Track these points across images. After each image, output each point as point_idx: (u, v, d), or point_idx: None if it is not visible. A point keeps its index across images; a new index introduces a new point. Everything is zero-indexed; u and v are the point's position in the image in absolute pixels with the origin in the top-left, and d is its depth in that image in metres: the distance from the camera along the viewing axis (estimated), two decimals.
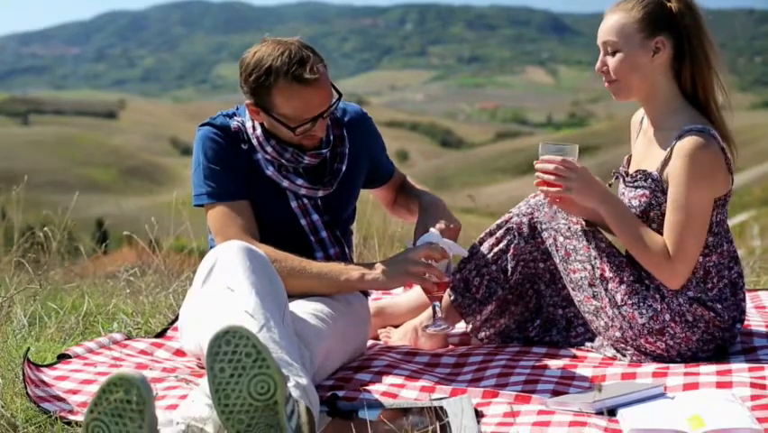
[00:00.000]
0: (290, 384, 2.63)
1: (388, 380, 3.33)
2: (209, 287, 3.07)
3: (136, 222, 5.88)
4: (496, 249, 3.79)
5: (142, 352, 3.82)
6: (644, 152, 3.63)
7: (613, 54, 3.54)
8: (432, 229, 3.47)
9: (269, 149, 3.55)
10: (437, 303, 3.43)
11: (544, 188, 3.51)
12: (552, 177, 3.45)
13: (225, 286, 2.99)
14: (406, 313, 3.99)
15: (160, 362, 3.68)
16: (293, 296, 3.39)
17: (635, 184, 3.56)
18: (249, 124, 3.59)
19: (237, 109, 3.69)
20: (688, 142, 3.39)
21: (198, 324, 3.03)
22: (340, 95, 3.55)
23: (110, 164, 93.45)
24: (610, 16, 3.56)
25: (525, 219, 3.77)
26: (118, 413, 2.38)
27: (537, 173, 3.50)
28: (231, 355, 2.46)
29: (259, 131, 3.56)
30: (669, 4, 3.52)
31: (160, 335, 4.09)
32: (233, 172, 3.54)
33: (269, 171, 3.56)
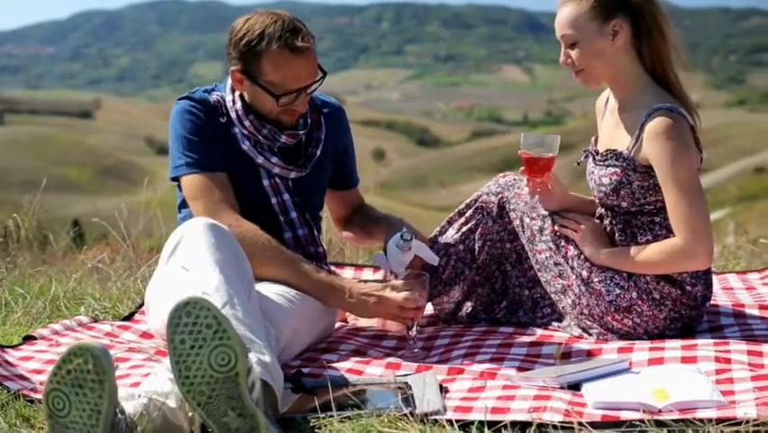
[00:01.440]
0: (253, 360, 2.61)
1: (354, 357, 3.34)
2: (173, 265, 3.05)
3: (112, 221, 5.85)
4: (464, 229, 3.79)
5: (109, 334, 3.80)
6: (613, 132, 3.63)
7: (573, 46, 3.54)
8: (404, 232, 3.49)
9: (246, 123, 3.55)
10: (412, 325, 3.44)
11: (527, 177, 3.59)
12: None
13: (189, 264, 2.98)
14: None
15: (125, 343, 3.66)
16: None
17: (606, 163, 3.56)
18: (229, 98, 3.59)
19: (216, 86, 3.69)
20: (659, 124, 3.40)
21: (162, 302, 3.02)
22: (324, 73, 3.56)
23: (86, 164, 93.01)
24: (563, 9, 3.55)
25: (494, 199, 3.78)
26: (78, 383, 2.36)
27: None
28: (191, 327, 2.44)
29: (239, 104, 3.56)
30: None
31: (128, 318, 4.06)
32: (211, 144, 3.54)
33: (245, 146, 3.56)
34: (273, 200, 3.61)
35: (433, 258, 3.60)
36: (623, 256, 3.50)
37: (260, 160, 3.57)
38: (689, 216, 3.38)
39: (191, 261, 2.99)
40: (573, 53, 3.54)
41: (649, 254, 3.46)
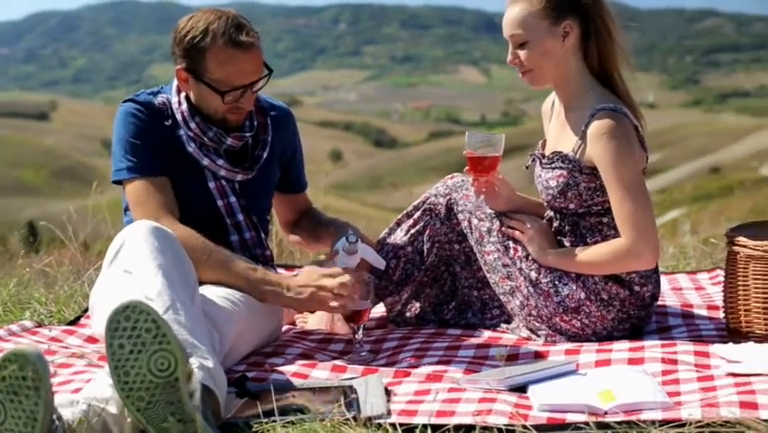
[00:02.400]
0: (195, 365, 2.58)
1: (300, 361, 3.31)
2: (116, 268, 3.01)
3: (64, 224, 5.78)
4: (413, 230, 3.78)
5: (53, 339, 3.75)
6: (559, 135, 3.63)
7: (522, 46, 3.52)
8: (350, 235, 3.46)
9: (192, 125, 3.51)
10: (358, 328, 3.41)
11: (473, 176, 3.58)
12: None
13: (132, 268, 2.94)
14: None
15: (69, 348, 3.62)
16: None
17: (552, 165, 3.56)
18: (174, 100, 3.56)
19: (162, 88, 3.66)
20: (603, 125, 3.40)
21: (104, 306, 2.97)
22: (270, 71, 3.55)
23: (41, 166, 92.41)
24: (512, 8, 3.53)
25: (442, 200, 3.77)
26: (13, 390, 2.32)
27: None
28: (130, 331, 2.41)
29: (184, 106, 3.53)
30: None
31: (73, 322, 4.02)
32: (154, 148, 3.50)
33: (191, 148, 3.52)
34: (219, 203, 3.57)
35: (379, 261, 3.58)
36: (570, 257, 3.50)
37: (205, 162, 3.54)
38: (633, 216, 3.38)
39: (134, 264, 2.95)
40: (522, 53, 3.52)
41: (595, 254, 3.46)
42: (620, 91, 3.55)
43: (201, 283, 3.27)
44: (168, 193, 3.48)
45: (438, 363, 3.25)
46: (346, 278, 3.28)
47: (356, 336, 3.40)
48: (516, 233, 3.58)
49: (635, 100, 3.55)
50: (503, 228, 3.61)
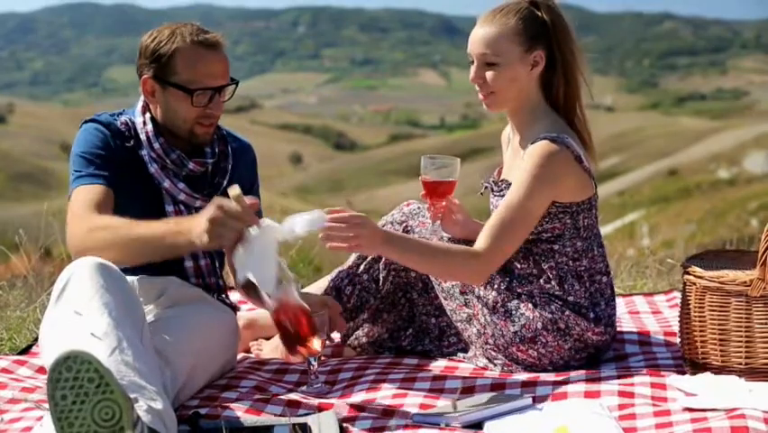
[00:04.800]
0: (142, 409, 2.54)
1: (255, 396, 3.25)
2: (61, 307, 2.93)
3: (27, 229, 5.70)
4: (369, 258, 3.75)
5: (4, 370, 3.68)
6: (511, 162, 3.63)
7: (490, 66, 3.48)
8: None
9: (156, 145, 3.49)
10: (312, 359, 3.36)
11: (429, 202, 3.56)
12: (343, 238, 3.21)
13: (78, 307, 2.87)
14: None
15: (21, 381, 3.55)
16: (150, 302, 3.36)
17: (502, 193, 3.54)
18: (139, 120, 3.54)
19: (123, 111, 3.63)
20: (536, 147, 3.39)
21: (50, 347, 2.90)
22: (237, 82, 3.54)
23: None
24: (486, 27, 3.49)
25: (398, 227, 3.74)
26: None
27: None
28: (72, 382, 2.37)
29: (149, 126, 3.51)
30: (540, 14, 3.49)
31: (25, 351, 3.96)
32: (105, 162, 3.44)
33: (153, 169, 3.49)
34: None
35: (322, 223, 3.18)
36: (405, 245, 3.35)
37: (166, 183, 3.50)
38: (498, 241, 3.36)
39: (80, 304, 2.88)
40: (489, 74, 3.48)
41: (439, 244, 3.44)
42: (578, 121, 3.54)
43: (149, 306, 3.24)
44: (107, 200, 3.37)
45: (393, 396, 3.22)
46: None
47: (311, 368, 3.36)
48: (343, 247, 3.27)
49: (590, 135, 3.53)
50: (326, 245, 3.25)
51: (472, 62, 3.52)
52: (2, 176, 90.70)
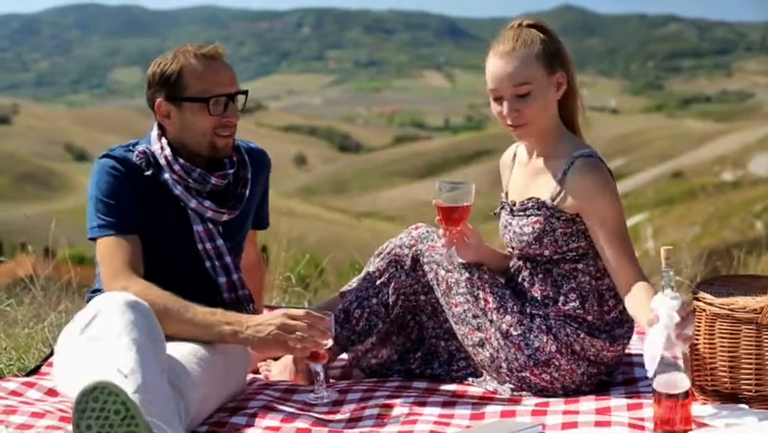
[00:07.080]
0: None
1: (263, 423, 3.24)
2: (88, 340, 2.96)
3: (32, 230, 5.71)
4: (378, 282, 3.75)
5: (13, 393, 3.67)
6: (529, 182, 3.59)
7: (521, 98, 3.44)
8: None
9: (176, 167, 3.54)
10: (318, 367, 3.37)
11: (443, 227, 3.55)
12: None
13: (105, 341, 2.89)
14: None
15: (31, 404, 3.55)
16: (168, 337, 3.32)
17: (527, 212, 3.53)
18: (156, 147, 3.58)
19: (137, 142, 3.67)
20: (585, 166, 3.42)
21: (73, 378, 2.91)
22: (246, 91, 3.63)
23: (2, 171, 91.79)
24: (511, 62, 3.43)
25: (407, 251, 3.73)
26: None
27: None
28: (98, 412, 2.40)
29: (167, 150, 3.56)
30: (544, 37, 3.49)
31: (34, 372, 3.96)
32: (126, 205, 3.49)
33: (178, 191, 3.54)
34: (208, 245, 3.59)
35: None
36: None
37: (192, 204, 3.55)
38: (630, 251, 3.39)
39: (108, 337, 2.90)
40: (524, 106, 3.44)
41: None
42: (580, 135, 3.60)
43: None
44: (134, 250, 3.46)
45: (403, 423, 3.21)
46: (308, 317, 3.25)
47: (317, 378, 3.38)
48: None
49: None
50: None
51: (498, 99, 3.49)
52: (6, 177, 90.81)
